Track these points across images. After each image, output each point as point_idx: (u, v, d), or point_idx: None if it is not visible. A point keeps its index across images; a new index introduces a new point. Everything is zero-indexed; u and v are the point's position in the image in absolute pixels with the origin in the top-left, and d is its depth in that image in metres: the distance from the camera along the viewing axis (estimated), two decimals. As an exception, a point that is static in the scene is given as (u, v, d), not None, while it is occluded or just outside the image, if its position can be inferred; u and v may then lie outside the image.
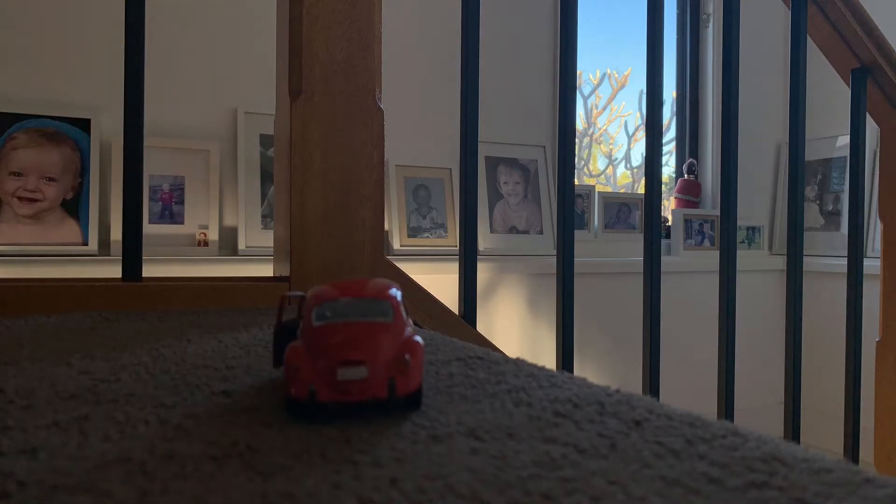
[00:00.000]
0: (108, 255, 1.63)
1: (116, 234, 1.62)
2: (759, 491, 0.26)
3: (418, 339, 0.38)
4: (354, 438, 0.32)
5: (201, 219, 1.75)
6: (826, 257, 2.48)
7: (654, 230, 1.02)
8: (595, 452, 0.31)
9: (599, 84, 2.54)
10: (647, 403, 0.39)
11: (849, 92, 1.24)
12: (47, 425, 0.34)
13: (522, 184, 2.19)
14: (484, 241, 2.10)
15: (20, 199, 1.57)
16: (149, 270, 1.56)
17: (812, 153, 2.60)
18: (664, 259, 2.38)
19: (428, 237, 2.02)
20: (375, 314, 0.38)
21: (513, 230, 2.15)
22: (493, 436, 0.33)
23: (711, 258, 2.43)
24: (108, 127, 1.69)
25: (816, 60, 2.32)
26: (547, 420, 0.36)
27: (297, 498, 0.25)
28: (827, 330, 2.48)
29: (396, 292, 0.40)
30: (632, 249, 2.39)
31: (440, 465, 0.29)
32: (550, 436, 0.33)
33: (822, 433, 2.47)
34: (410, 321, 0.43)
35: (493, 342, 1.74)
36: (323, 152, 0.79)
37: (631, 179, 2.62)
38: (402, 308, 0.39)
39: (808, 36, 1.19)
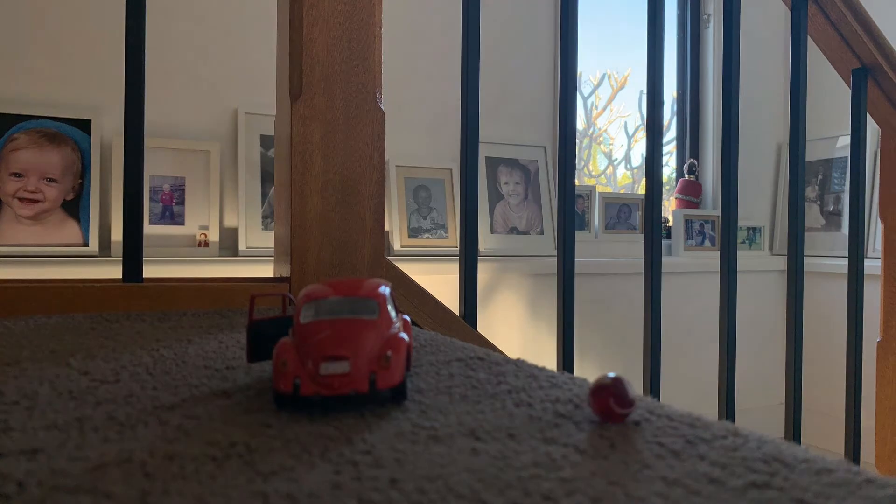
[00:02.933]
0: (109, 256, 1.63)
1: (117, 234, 1.62)
2: (759, 491, 0.26)
3: (403, 335, 0.39)
4: (355, 439, 0.32)
5: (202, 219, 1.75)
6: (827, 257, 2.48)
7: (655, 231, 1.02)
8: (595, 453, 0.31)
9: (599, 84, 2.53)
10: (647, 404, 0.39)
11: (849, 92, 1.24)
12: (47, 426, 0.34)
13: (523, 184, 2.19)
14: (484, 241, 2.09)
15: (21, 199, 1.57)
16: (149, 271, 1.56)
17: (813, 153, 2.60)
18: (665, 259, 2.38)
19: (428, 238, 2.02)
20: (361, 312, 0.39)
21: (513, 231, 2.15)
22: (493, 436, 0.33)
23: (712, 259, 2.43)
24: (109, 128, 1.69)
25: (817, 60, 2.32)
26: (547, 421, 0.36)
27: (297, 498, 0.25)
28: (828, 330, 2.48)
29: (385, 290, 0.42)
30: (632, 250, 2.39)
31: (440, 465, 0.29)
32: (551, 436, 0.33)
33: (823, 433, 2.47)
34: (402, 317, 0.44)
35: (494, 343, 1.74)
36: (323, 153, 0.79)
37: (631, 180, 2.62)
38: (388, 305, 0.41)
39: (808, 36, 1.19)
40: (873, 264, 2.06)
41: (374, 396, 0.38)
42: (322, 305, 0.39)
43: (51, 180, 1.60)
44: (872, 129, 2.28)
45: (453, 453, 0.31)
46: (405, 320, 0.45)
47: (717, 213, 2.52)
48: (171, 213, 1.72)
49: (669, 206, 2.57)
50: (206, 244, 1.74)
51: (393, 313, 0.41)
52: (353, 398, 0.37)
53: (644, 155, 1.03)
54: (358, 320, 0.38)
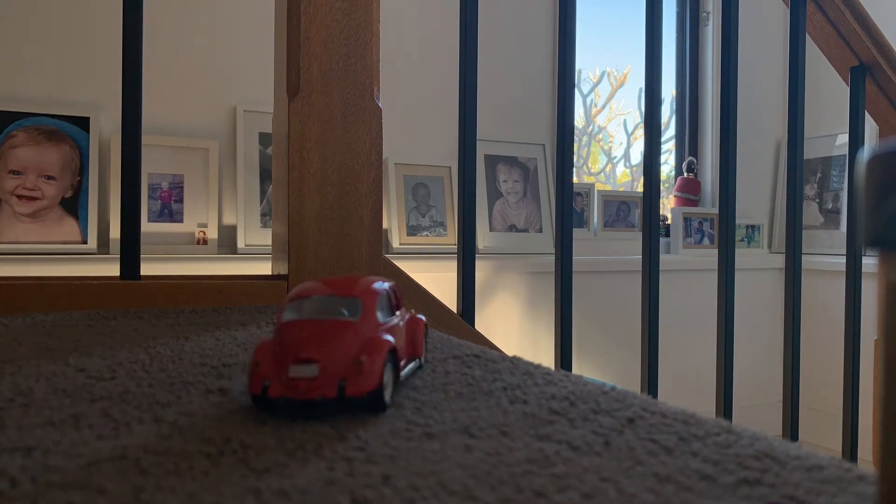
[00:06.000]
0: (108, 254, 1.63)
1: (116, 232, 1.62)
2: (750, 488, 0.27)
3: (388, 337, 0.37)
4: (349, 436, 0.33)
5: (200, 217, 1.75)
6: (826, 255, 2.48)
7: (653, 228, 1.02)
8: (588, 450, 0.31)
9: (599, 82, 2.53)
10: (641, 401, 0.39)
11: (848, 90, 1.24)
12: (42, 423, 0.34)
13: (522, 182, 2.19)
14: (483, 239, 2.09)
15: (19, 197, 1.57)
16: (148, 268, 1.56)
17: (811, 151, 2.60)
18: (664, 257, 2.38)
19: (427, 235, 2.02)
20: (341, 312, 0.37)
21: (512, 228, 2.15)
22: (487, 433, 0.33)
23: (711, 256, 2.43)
24: (108, 125, 1.69)
25: (816, 58, 2.32)
26: (542, 418, 0.36)
27: (289, 495, 0.26)
28: (826, 328, 2.48)
29: (381, 287, 0.40)
30: (631, 248, 2.39)
31: (433, 462, 0.29)
32: (544, 433, 0.33)
33: (822, 431, 2.47)
34: (413, 315, 0.43)
35: (492, 340, 1.74)
36: (321, 151, 0.79)
37: (630, 178, 2.62)
38: (379, 305, 0.39)
39: (807, 34, 1.19)
40: (872, 262, 2.06)
41: (342, 403, 0.35)
42: (304, 305, 0.38)
43: (49, 178, 1.60)
44: (871, 126, 2.28)
45: (446, 450, 0.31)
46: (419, 319, 0.45)
47: (716, 210, 2.52)
48: (170, 210, 1.72)
49: (668, 204, 2.57)
50: (205, 242, 1.74)
51: (381, 315, 0.39)
52: (321, 404, 0.35)
53: (643, 153, 1.03)
54: (335, 321, 0.37)
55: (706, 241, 2.49)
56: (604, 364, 2.26)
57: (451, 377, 0.45)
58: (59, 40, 1.66)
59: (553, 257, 2.12)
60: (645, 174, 1.03)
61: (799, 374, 1.14)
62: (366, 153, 0.82)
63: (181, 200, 1.73)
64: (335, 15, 0.80)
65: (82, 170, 1.63)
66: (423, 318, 0.46)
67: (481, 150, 2.13)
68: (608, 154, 2.59)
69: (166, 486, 0.26)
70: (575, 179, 2.40)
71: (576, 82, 2.00)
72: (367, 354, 0.35)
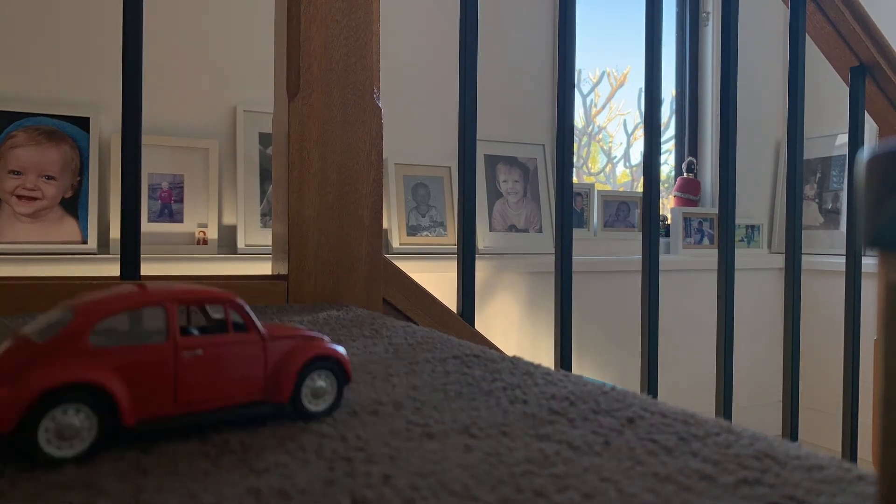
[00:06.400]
0: (108, 254, 1.63)
1: (116, 232, 1.62)
2: (750, 488, 0.27)
3: (102, 371, 0.29)
4: (349, 436, 0.33)
5: (200, 217, 1.75)
6: (825, 255, 2.48)
7: (653, 228, 1.02)
8: (588, 450, 0.31)
9: (598, 82, 2.53)
10: (641, 401, 0.39)
11: (847, 90, 1.24)
12: (43, 423, 0.34)
13: (522, 182, 2.19)
14: (483, 239, 2.09)
15: (19, 197, 1.57)
16: (148, 269, 1.56)
17: (811, 151, 2.60)
18: (663, 257, 2.38)
19: (427, 235, 2.02)
20: (38, 331, 0.30)
21: (512, 228, 2.15)
22: (487, 433, 0.33)
23: (711, 256, 2.43)
24: (108, 125, 1.69)
25: (816, 58, 2.32)
26: (541, 418, 0.36)
27: (289, 495, 0.26)
28: (826, 328, 2.48)
29: (137, 298, 0.31)
30: (631, 248, 2.39)
31: (433, 462, 0.29)
32: (544, 433, 0.33)
33: (821, 431, 2.47)
34: (222, 338, 0.32)
35: (492, 340, 1.74)
36: (321, 151, 0.79)
37: (630, 178, 2.62)
38: (92, 323, 0.30)
39: (806, 34, 1.19)
40: (872, 262, 2.06)
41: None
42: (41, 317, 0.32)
43: (49, 178, 1.60)
44: (871, 126, 2.28)
45: (447, 450, 0.31)
46: (301, 346, 0.34)
47: (716, 210, 2.52)
48: (170, 210, 1.72)
49: (668, 204, 2.57)
50: (205, 242, 1.74)
51: (125, 337, 0.30)
52: None
53: (643, 153, 1.03)
54: (23, 338, 0.30)
55: (706, 241, 2.49)
56: (604, 364, 2.26)
57: (451, 377, 0.45)
58: (59, 40, 1.66)
59: (553, 257, 2.12)
60: (645, 174, 1.03)
61: (799, 374, 1.14)
62: (366, 153, 0.82)
63: (181, 200, 1.73)
64: (335, 15, 0.80)
65: (82, 170, 1.63)
66: (333, 346, 0.35)
67: (481, 150, 2.13)
68: (608, 154, 2.59)
69: (167, 486, 0.26)
70: (575, 179, 2.40)
71: (576, 82, 2.00)
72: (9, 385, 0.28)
